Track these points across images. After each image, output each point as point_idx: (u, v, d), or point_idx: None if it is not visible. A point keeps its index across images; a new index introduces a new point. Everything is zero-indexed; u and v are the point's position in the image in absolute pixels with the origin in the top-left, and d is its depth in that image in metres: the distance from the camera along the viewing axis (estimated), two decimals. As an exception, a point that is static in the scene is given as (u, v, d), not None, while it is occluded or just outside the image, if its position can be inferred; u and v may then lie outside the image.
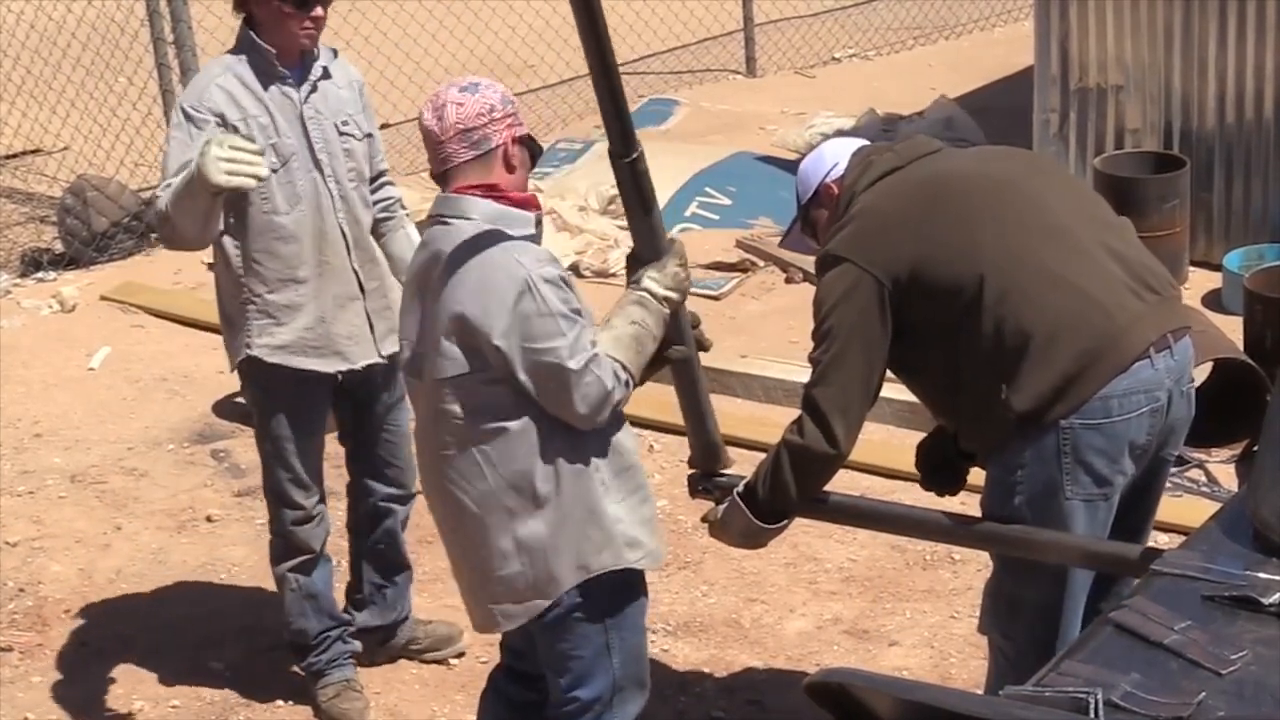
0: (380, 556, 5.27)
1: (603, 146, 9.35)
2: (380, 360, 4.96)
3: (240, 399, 7.04)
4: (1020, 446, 4.00)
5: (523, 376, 3.85)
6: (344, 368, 4.93)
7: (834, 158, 4.28)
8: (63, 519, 6.36)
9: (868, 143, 4.38)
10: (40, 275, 8.54)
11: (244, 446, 6.75)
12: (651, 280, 3.99)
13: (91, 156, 9.38)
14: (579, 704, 4.11)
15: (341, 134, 4.86)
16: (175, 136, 4.73)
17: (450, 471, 3.97)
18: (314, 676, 5.17)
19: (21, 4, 10.70)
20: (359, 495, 5.23)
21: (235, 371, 5.05)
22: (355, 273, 4.90)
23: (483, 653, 5.38)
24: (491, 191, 3.95)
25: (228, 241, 4.81)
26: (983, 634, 4.37)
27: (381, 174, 5.06)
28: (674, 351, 4.14)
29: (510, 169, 3.98)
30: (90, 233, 8.61)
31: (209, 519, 6.30)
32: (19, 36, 10.23)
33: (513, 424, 3.89)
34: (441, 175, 4.00)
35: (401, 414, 5.09)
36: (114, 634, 5.66)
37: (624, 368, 3.92)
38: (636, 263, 4.04)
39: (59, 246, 8.80)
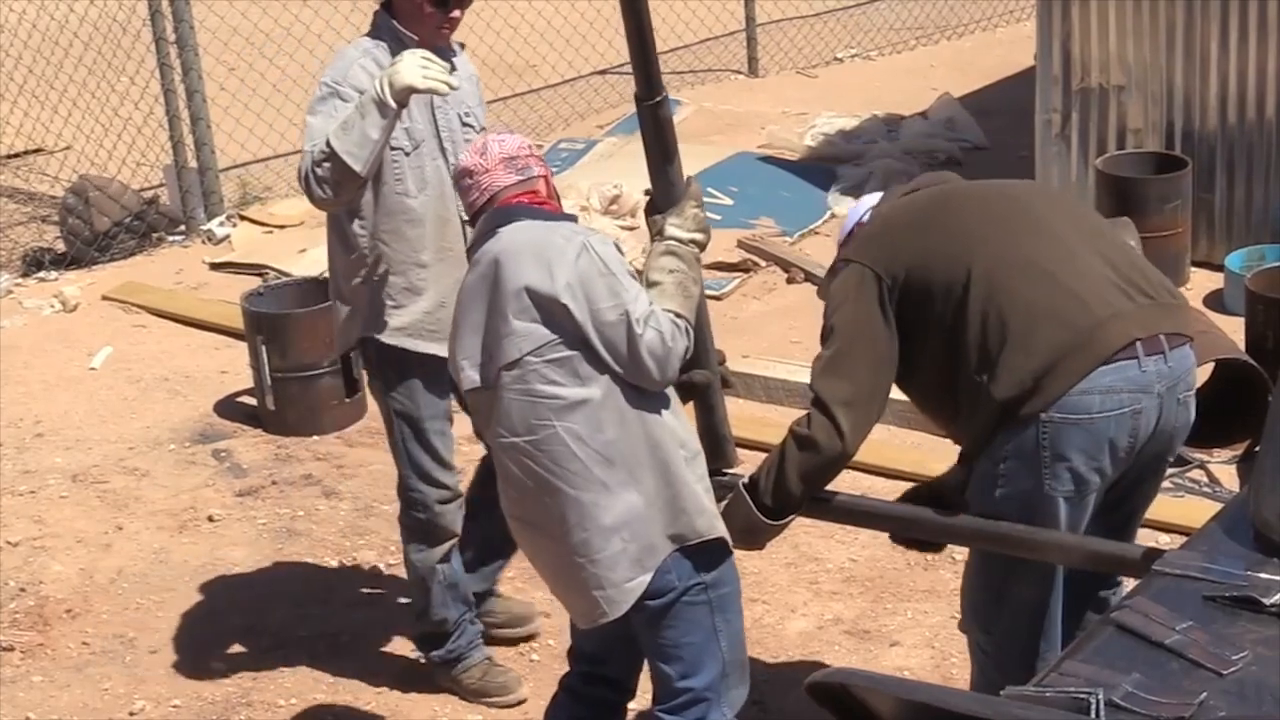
0: (499, 530, 5.24)
1: (604, 147, 9.36)
2: None
3: (241, 399, 7.07)
4: (1003, 440, 4.05)
5: (593, 337, 3.93)
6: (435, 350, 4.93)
7: (870, 202, 4.44)
8: (64, 519, 6.36)
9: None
10: (42, 275, 8.54)
11: (245, 446, 6.76)
12: (674, 227, 4.12)
13: (94, 156, 9.39)
14: (692, 693, 4.12)
15: (464, 124, 4.93)
16: (320, 109, 4.77)
17: (541, 459, 3.98)
18: (451, 663, 5.18)
19: (24, 3, 10.71)
20: (489, 472, 5.24)
21: (353, 354, 5.13)
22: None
23: (489, 652, 5.38)
24: (536, 199, 4.12)
25: (355, 223, 4.86)
26: (964, 632, 4.39)
27: None
28: (697, 375, 4.25)
29: (548, 198, 4.15)
30: (92, 232, 8.62)
31: (210, 519, 6.30)
32: (21, 36, 10.24)
33: (593, 392, 3.95)
34: (481, 208, 4.12)
35: None
36: (114, 634, 5.67)
37: (678, 315, 4.01)
38: (655, 212, 4.17)
39: (61, 246, 8.81)
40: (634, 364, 3.94)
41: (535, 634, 5.45)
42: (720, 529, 4.09)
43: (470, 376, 4.06)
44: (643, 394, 3.99)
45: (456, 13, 4.82)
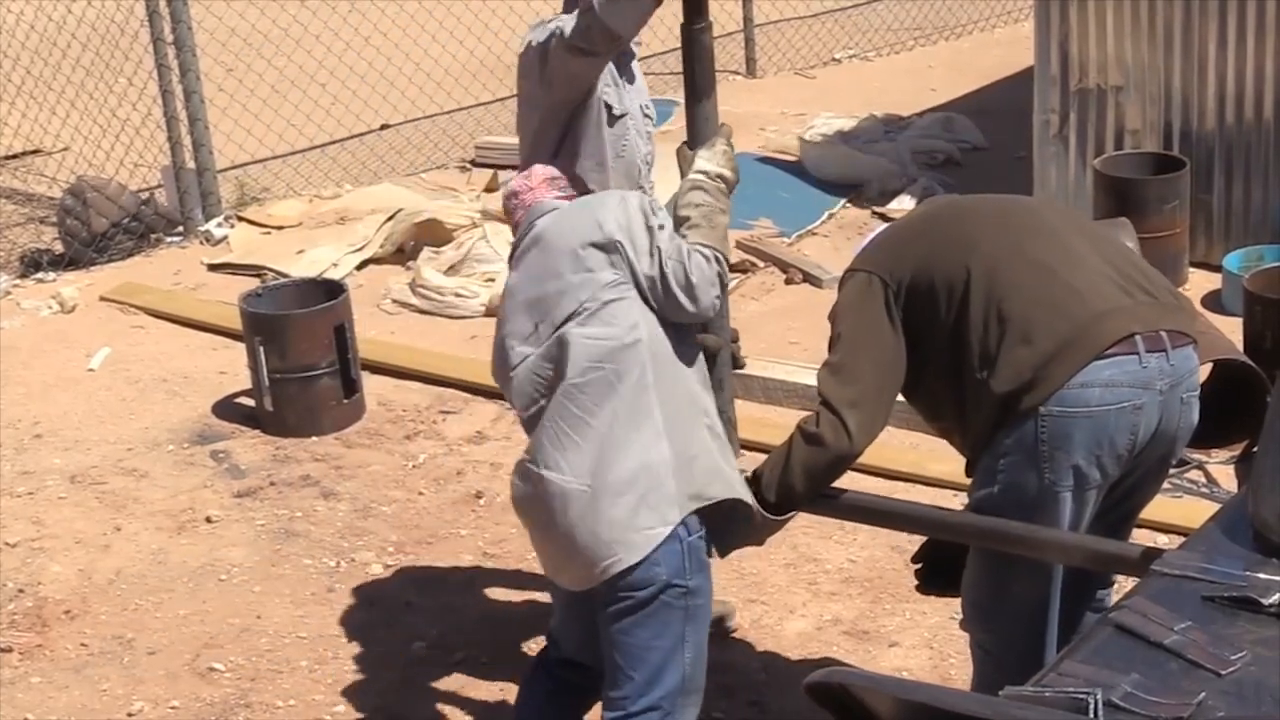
0: None
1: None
2: None
3: (239, 400, 7.07)
4: (1003, 435, 4.05)
5: (641, 271, 4.06)
6: None
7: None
8: (63, 519, 6.36)
9: None
10: (40, 276, 8.54)
11: (244, 447, 6.76)
12: (703, 161, 4.30)
13: (91, 157, 9.38)
14: (647, 699, 4.11)
15: (645, 116, 4.93)
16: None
17: (583, 400, 4.04)
18: None
19: (21, 4, 10.71)
20: None
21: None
22: None
23: (484, 654, 5.39)
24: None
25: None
26: (965, 630, 4.40)
27: None
28: (709, 338, 4.33)
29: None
30: (90, 233, 8.62)
31: (209, 520, 6.30)
32: (19, 37, 10.24)
33: (641, 335, 4.05)
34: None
35: None
36: (114, 634, 5.66)
37: (707, 246, 4.16)
38: (688, 150, 4.32)
39: (59, 247, 8.81)
40: (670, 297, 4.08)
41: (735, 629, 5.41)
42: (740, 491, 4.14)
43: (521, 351, 4.15)
44: (681, 352, 4.12)
45: None
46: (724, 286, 4.19)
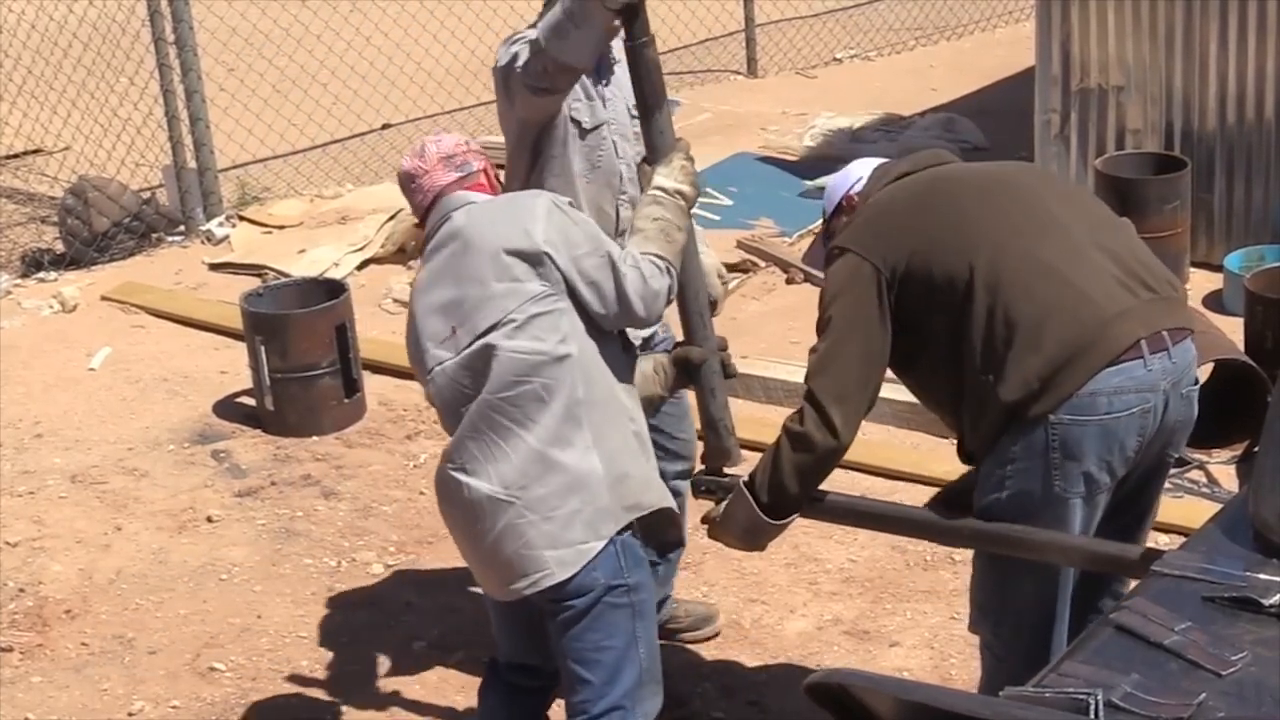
0: None
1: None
2: (648, 335, 4.91)
3: (240, 399, 7.06)
4: (1011, 441, 4.02)
5: (579, 283, 3.99)
6: None
7: (858, 173, 4.40)
8: (63, 519, 6.36)
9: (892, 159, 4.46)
10: (41, 275, 8.54)
11: (244, 447, 6.76)
12: (661, 177, 4.21)
13: (92, 157, 9.39)
14: (607, 703, 4.10)
15: (633, 117, 4.81)
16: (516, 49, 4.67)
17: (512, 413, 3.99)
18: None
19: (23, 4, 10.71)
20: None
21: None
22: None
23: (484, 654, 5.38)
24: (481, 190, 4.21)
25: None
26: (974, 632, 4.38)
27: None
28: (694, 351, 4.31)
29: (495, 190, 4.23)
30: (91, 233, 8.62)
31: (209, 519, 6.30)
32: (20, 36, 10.23)
33: (572, 349, 3.99)
34: (428, 208, 4.21)
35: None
36: (114, 634, 5.66)
37: (659, 257, 4.09)
38: (647, 165, 4.26)
39: (60, 247, 8.81)
40: (621, 304, 4.02)
41: (718, 632, 5.42)
42: (667, 500, 4.14)
43: (437, 355, 4.07)
44: (612, 361, 4.07)
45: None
46: (670, 301, 4.13)
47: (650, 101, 4.24)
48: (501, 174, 4.27)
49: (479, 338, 4.00)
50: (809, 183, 8.85)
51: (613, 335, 4.12)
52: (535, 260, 3.97)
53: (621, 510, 4.03)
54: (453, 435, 4.11)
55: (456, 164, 4.19)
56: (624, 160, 4.84)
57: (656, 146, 4.24)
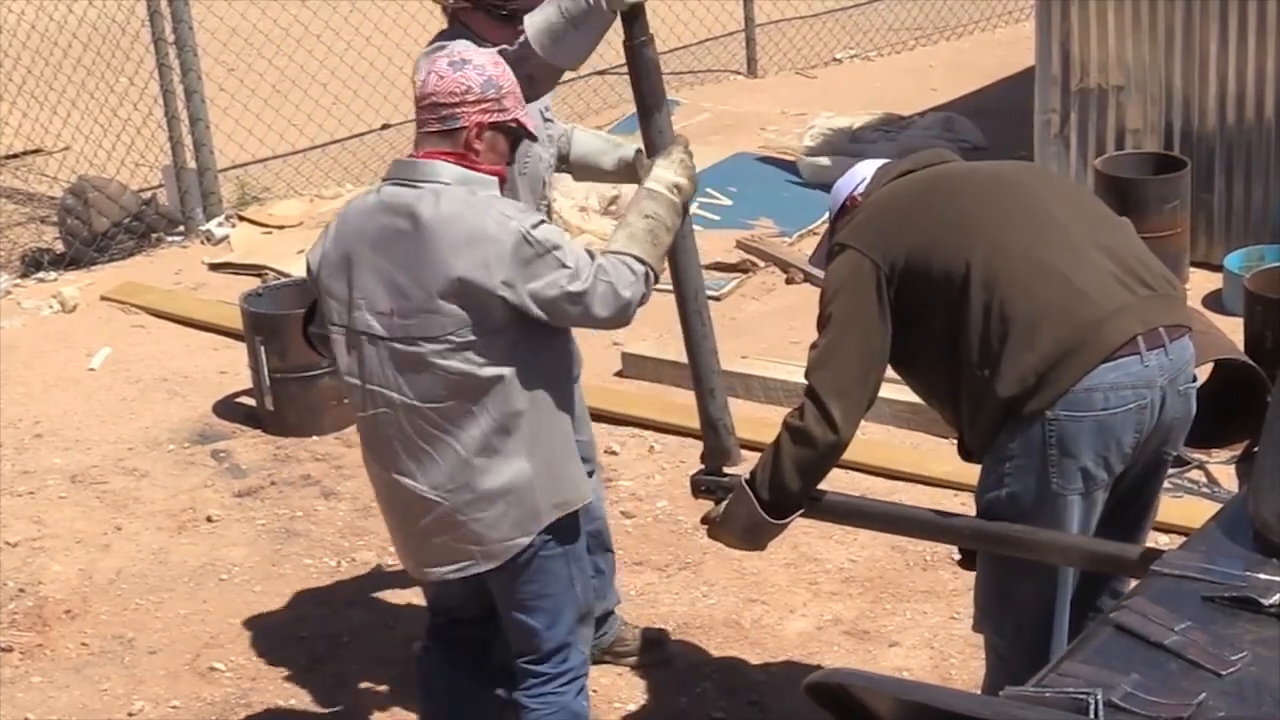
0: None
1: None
2: None
3: (240, 399, 7.06)
4: (1009, 438, 4.03)
5: (538, 311, 3.95)
6: None
7: (863, 173, 4.41)
8: (63, 519, 6.36)
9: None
10: (41, 275, 8.54)
11: (244, 447, 6.76)
12: (660, 168, 4.18)
13: (92, 157, 9.39)
14: (554, 642, 4.25)
15: (546, 120, 4.87)
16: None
17: (441, 423, 4.02)
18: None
19: (22, 4, 10.71)
20: None
21: None
22: None
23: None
24: (462, 160, 4.03)
25: None
26: (977, 632, 4.39)
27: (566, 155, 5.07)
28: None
29: (475, 152, 4.03)
30: (91, 233, 8.62)
31: (209, 519, 6.30)
32: (20, 36, 10.23)
33: (506, 371, 3.99)
34: (418, 135, 4.10)
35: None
36: (114, 634, 5.66)
37: (639, 260, 4.05)
38: (645, 159, 4.26)
39: (59, 247, 8.81)
40: (587, 321, 4.01)
41: (671, 658, 5.33)
42: (586, 493, 4.22)
43: (368, 320, 4.02)
44: (557, 363, 4.09)
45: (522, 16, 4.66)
46: (643, 303, 4.07)
47: (649, 101, 4.24)
48: (488, 137, 4.04)
49: (413, 343, 3.98)
50: (810, 159, 8.86)
51: (564, 333, 4.14)
52: (485, 298, 3.92)
53: (551, 508, 4.11)
54: (352, 396, 4.12)
55: (441, 115, 4.01)
56: (544, 163, 4.85)
57: (656, 146, 4.24)
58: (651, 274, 4.08)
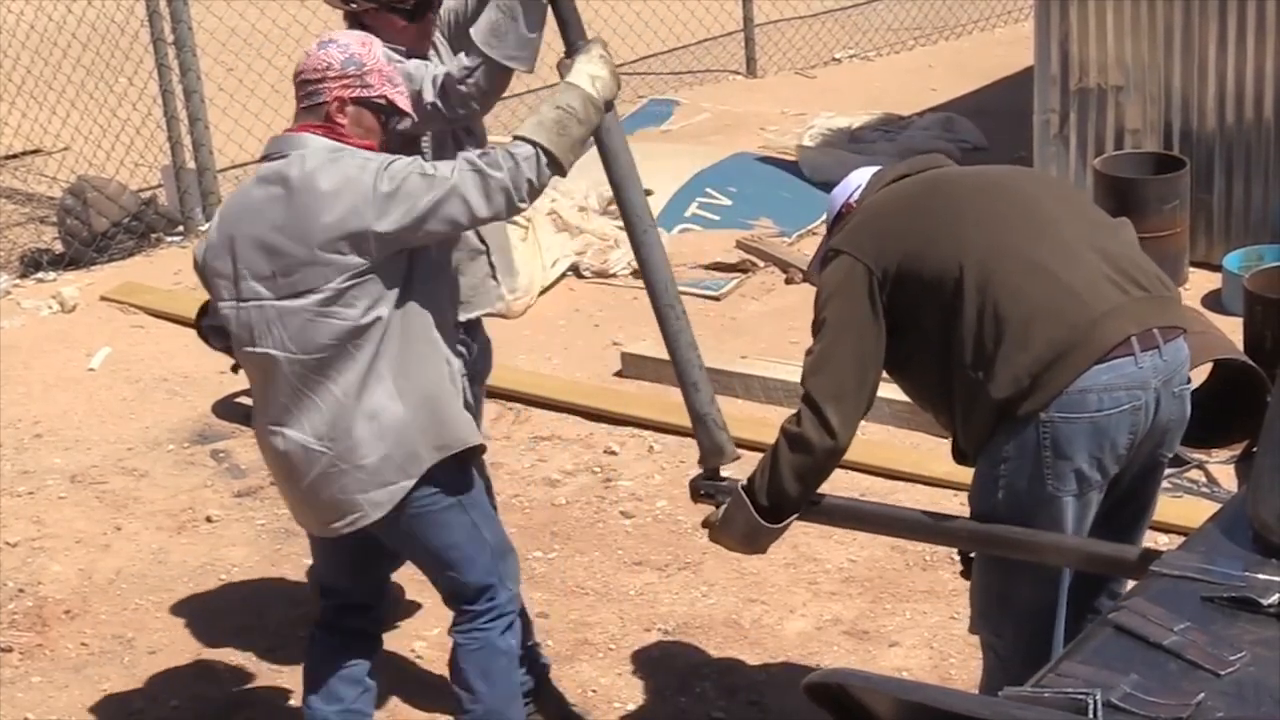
0: None
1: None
2: (491, 311, 4.99)
3: (239, 399, 7.07)
4: (1003, 440, 4.02)
5: (420, 238, 4.06)
6: (465, 316, 4.89)
7: (858, 180, 4.42)
8: (63, 519, 6.36)
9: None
10: (40, 276, 8.54)
11: (244, 446, 6.76)
12: (579, 64, 4.22)
13: (91, 157, 9.39)
14: (475, 587, 4.37)
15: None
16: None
17: (321, 370, 4.12)
18: None
19: (21, 4, 10.72)
20: None
21: None
22: (477, 231, 4.85)
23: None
24: (330, 134, 4.17)
25: None
26: (974, 634, 4.39)
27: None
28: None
29: (340, 125, 4.17)
30: (90, 233, 8.62)
31: (209, 519, 6.30)
32: (19, 37, 10.24)
33: (383, 312, 4.10)
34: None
35: (486, 360, 5.09)
36: (114, 634, 5.67)
37: (529, 141, 4.07)
38: (566, 60, 4.29)
39: (59, 247, 8.81)
40: (475, 217, 4.07)
41: None
42: (475, 438, 4.28)
43: (255, 288, 4.13)
44: (436, 301, 4.18)
45: (430, 15, 4.72)
46: (538, 186, 4.09)
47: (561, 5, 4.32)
48: (352, 111, 4.18)
49: (295, 297, 4.09)
50: (810, 156, 8.86)
51: (444, 270, 4.25)
52: (360, 238, 4.03)
53: (433, 450, 4.19)
54: (244, 366, 4.26)
55: (308, 90, 4.20)
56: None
57: (569, 38, 4.31)
58: (543, 156, 4.09)
